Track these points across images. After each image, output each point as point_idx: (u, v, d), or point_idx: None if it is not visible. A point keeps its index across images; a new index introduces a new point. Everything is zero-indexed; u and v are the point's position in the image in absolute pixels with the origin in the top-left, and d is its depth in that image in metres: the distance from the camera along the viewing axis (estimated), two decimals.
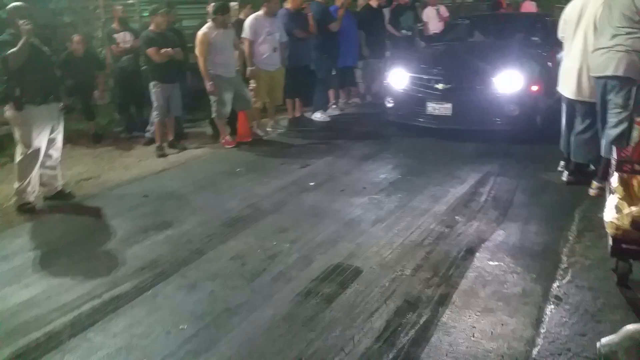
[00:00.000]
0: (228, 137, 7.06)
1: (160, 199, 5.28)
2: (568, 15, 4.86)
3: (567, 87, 4.87)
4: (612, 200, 3.23)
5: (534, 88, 6.53)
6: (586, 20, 4.59)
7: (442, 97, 6.71)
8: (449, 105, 6.68)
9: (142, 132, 7.56)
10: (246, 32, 7.09)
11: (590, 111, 4.58)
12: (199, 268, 3.82)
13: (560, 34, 5.02)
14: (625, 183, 3.29)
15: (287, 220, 4.59)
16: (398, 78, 7.28)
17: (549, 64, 6.81)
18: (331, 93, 8.76)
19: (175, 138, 7.13)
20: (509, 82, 6.51)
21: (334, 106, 8.83)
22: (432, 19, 10.88)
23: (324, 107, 8.43)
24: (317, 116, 8.25)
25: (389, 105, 7.42)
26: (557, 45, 5.25)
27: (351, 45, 8.55)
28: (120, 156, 6.91)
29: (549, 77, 6.45)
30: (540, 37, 7.73)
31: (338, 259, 3.84)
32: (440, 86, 6.74)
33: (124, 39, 7.26)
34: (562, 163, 5.29)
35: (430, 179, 5.48)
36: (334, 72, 8.49)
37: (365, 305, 3.24)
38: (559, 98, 5.13)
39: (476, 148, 6.44)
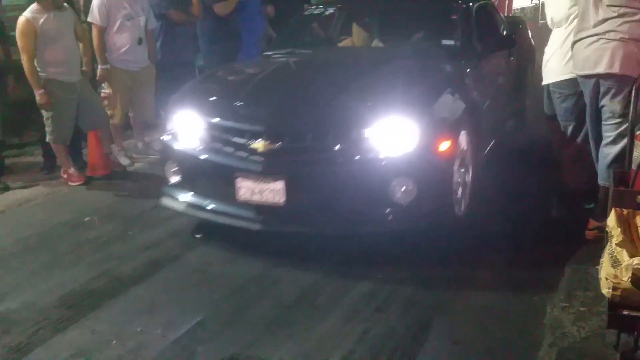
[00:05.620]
0: (72, 170, 5.53)
1: None
2: None
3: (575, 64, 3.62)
4: (608, 248, 2.49)
5: (444, 146, 3.60)
6: None
7: (264, 166, 3.58)
8: (279, 185, 3.53)
9: None
10: (94, 16, 5.56)
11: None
12: None
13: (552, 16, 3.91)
14: (625, 223, 2.58)
15: (159, 294, 3.49)
16: (187, 128, 4.02)
17: (475, 93, 4.23)
18: None
19: None
20: (394, 136, 3.52)
21: None
22: None
23: None
24: None
25: (173, 179, 4.13)
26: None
27: (257, 31, 6.76)
28: None
29: (473, 121, 3.98)
30: (461, 39, 4.69)
31: (233, 349, 2.83)
32: (259, 145, 3.60)
33: None
34: None
35: None
36: None
37: None
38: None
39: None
